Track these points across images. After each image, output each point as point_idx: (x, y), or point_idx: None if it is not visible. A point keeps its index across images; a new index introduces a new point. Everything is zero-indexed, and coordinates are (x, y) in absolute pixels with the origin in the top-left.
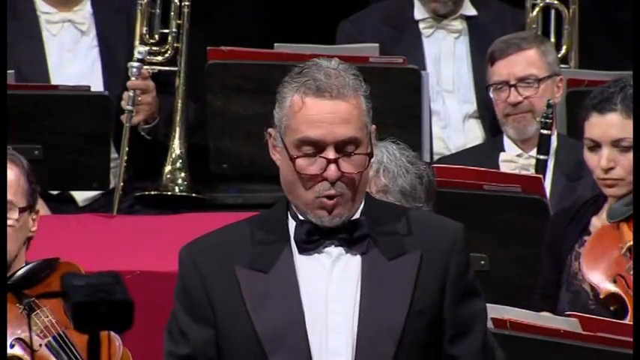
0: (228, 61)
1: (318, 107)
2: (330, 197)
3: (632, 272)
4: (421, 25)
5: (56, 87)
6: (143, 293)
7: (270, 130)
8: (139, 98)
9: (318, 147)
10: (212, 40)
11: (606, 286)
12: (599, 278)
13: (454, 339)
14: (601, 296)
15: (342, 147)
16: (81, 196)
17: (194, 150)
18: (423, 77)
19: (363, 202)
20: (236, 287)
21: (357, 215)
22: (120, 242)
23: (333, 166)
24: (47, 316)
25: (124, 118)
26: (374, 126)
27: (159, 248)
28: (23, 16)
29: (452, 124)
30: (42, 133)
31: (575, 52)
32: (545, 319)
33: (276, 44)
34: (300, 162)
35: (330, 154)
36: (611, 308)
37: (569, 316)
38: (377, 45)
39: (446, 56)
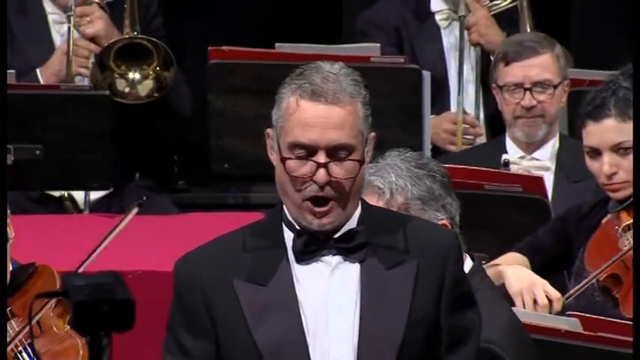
0: (230, 61)
1: (312, 111)
2: (317, 201)
3: (625, 248)
4: (437, 17)
5: (57, 87)
6: (144, 293)
7: (268, 130)
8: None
9: (309, 150)
10: (213, 39)
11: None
12: (599, 264)
13: (451, 348)
14: (600, 279)
15: (334, 152)
16: (82, 198)
17: (195, 150)
18: (424, 77)
19: (359, 209)
20: (235, 301)
21: (353, 222)
22: (121, 242)
23: (322, 170)
24: (14, 329)
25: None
26: (373, 133)
27: (160, 248)
28: (32, 16)
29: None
30: (43, 132)
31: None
32: (545, 318)
33: (277, 44)
34: (290, 163)
35: (321, 158)
36: (614, 293)
37: (570, 316)
38: (378, 45)
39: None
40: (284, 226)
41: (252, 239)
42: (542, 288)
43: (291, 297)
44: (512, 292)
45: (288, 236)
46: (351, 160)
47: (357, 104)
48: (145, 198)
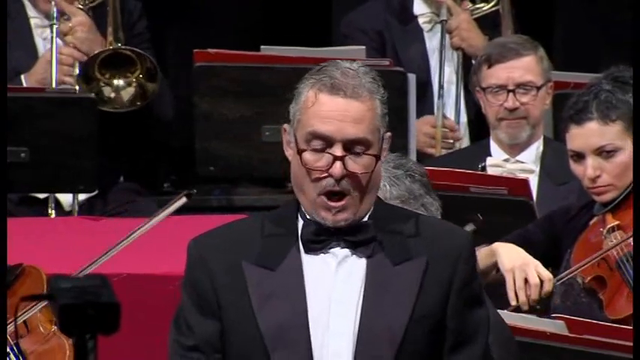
0: (215, 64)
1: (331, 104)
2: (334, 195)
3: (609, 248)
4: (420, 20)
5: (42, 89)
6: (130, 296)
7: (285, 125)
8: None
9: (326, 142)
10: (199, 42)
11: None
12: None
13: (456, 347)
14: (586, 281)
15: (351, 146)
16: (67, 200)
17: (181, 152)
18: (409, 79)
19: (372, 205)
20: (243, 284)
21: (365, 218)
22: (106, 245)
23: (338, 163)
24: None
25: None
26: (389, 133)
27: (145, 251)
28: (15, 19)
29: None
30: (29, 135)
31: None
32: (531, 321)
33: (262, 46)
34: (307, 155)
35: (338, 151)
36: (599, 294)
37: (555, 318)
38: (364, 48)
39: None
40: (299, 216)
41: (268, 227)
42: (535, 268)
43: (298, 285)
44: (505, 269)
45: (301, 226)
46: (367, 154)
47: (375, 100)
48: (194, 191)
